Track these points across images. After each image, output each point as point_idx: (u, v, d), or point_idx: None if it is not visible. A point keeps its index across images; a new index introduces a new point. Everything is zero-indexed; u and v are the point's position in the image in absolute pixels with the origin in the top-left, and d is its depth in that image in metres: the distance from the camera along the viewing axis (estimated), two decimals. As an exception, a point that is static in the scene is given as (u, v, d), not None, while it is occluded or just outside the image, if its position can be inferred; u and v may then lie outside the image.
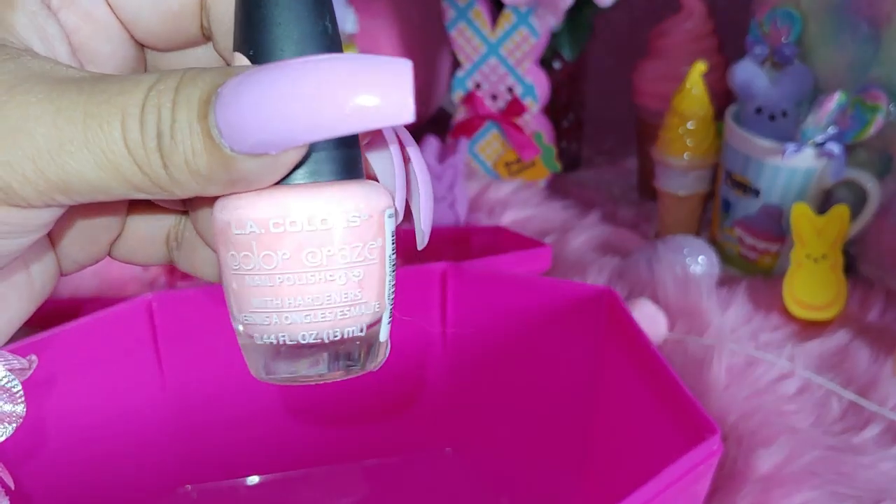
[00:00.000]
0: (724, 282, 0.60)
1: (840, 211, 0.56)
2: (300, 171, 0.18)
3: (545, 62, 0.81)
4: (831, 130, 0.57)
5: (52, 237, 0.21)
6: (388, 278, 0.20)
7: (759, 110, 0.62)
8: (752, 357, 0.50)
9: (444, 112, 0.98)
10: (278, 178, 0.18)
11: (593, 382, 0.40)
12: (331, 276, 0.18)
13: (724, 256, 0.65)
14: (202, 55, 0.22)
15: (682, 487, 0.29)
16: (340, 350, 0.19)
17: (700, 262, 0.58)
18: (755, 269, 0.64)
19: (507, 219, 0.70)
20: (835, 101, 0.55)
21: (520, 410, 0.43)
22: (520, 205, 0.72)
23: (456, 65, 0.80)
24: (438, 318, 0.43)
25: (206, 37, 0.21)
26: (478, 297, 0.42)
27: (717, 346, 0.49)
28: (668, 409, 0.33)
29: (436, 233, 0.65)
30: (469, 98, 0.78)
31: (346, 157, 0.19)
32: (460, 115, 0.80)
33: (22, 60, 0.17)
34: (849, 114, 0.56)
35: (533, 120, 0.77)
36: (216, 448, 0.44)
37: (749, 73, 0.63)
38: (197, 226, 0.22)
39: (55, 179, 0.16)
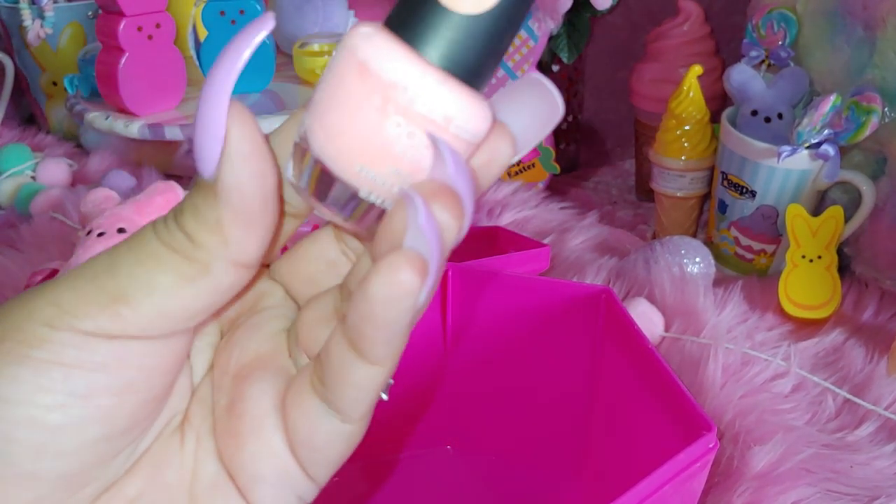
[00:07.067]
0: (720, 282, 0.60)
1: (835, 212, 0.57)
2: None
3: (544, 65, 0.82)
4: (826, 132, 0.57)
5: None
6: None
7: (754, 113, 0.63)
8: (747, 356, 0.50)
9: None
10: None
11: (591, 380, 0.41)
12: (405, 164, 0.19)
13: (720, 257, 0.66)
14: None
15: (679, 484, 0.30)
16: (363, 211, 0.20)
17: (697, 262, 0.59)
18: (751, 270, 0.65)
19: (507, 219, 0.70)
20: (830, 103, 0.56)
21: (519, 408, 0.43)
22: (519, 206, 0.72)
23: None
24: (439, 317, 0.43)
25: None
26: (478, 297, 0.43)
27: (713, 345, 0.49)
28: (665, 406, 0.34)
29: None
30: (468, 100, 0.78)
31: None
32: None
33: None
34: (843, 116, 0.57)
35: (531, 122, 0.78)
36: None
37: (745, 76, 0.63)
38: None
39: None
